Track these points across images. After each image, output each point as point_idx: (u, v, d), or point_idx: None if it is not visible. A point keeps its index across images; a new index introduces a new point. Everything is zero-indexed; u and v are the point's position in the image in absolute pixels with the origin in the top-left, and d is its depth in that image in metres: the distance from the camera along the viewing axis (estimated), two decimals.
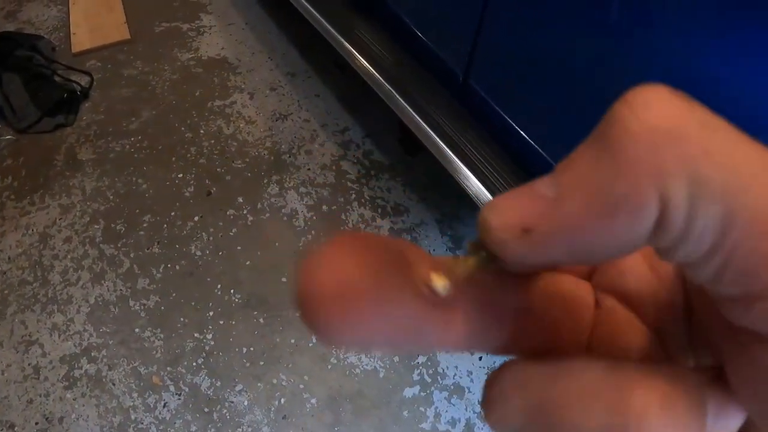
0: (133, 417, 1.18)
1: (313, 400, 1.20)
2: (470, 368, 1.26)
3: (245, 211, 1.51)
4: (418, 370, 1.26)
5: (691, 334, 0.16)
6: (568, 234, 0.12)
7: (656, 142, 0.11)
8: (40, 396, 1.21)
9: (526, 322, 0.16)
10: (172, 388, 1.22)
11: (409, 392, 1.22)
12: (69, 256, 1.43)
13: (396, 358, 1.26)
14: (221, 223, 1.49)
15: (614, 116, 0.12)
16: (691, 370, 0.13)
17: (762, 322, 0.11)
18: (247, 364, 1.25)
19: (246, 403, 1.20)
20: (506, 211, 0.13)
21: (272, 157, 1.64)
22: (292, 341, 1.28)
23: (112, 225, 1.49)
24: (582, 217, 0.12)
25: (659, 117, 0.11)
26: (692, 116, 0.11)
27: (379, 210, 1.53)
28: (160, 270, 1.40)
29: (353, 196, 1.55)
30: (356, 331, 0.12)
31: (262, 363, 1.25)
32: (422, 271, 0.14)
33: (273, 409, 1.19)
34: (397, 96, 1.23)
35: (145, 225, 1.49)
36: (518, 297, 0.16)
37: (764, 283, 0.11)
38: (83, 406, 1.20)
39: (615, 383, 0.13)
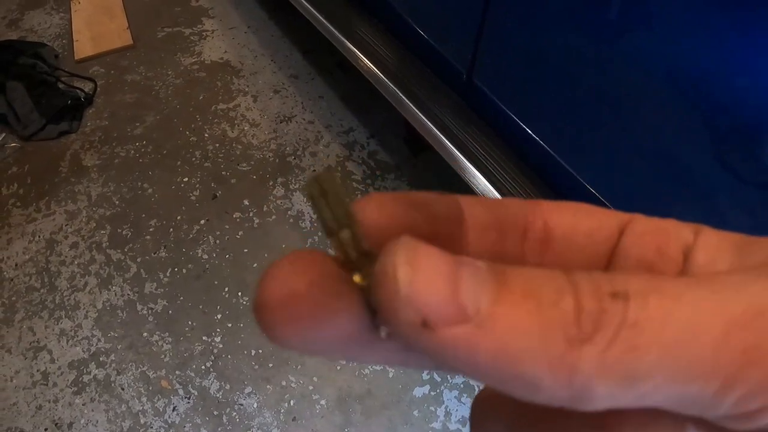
0: (142, 421, 1.18)
1: (323, 402, 1.20)
2: None
3: (251, 214, 1.51)
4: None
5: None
6: (480, 362, 0.11)
7: None
8: (49, 402, 1.21)
9: None
10: (181, 391, 1.22)
11: (419, 392, 1.22)
12: (76, 262, 1.43)
13: None
14: (227, 226, 1.48)
15: None
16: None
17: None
18: (256, 367, 1.25)
19: (255, 405, 1.20)
20: (429, 283, 0.11)
21: (277, 160, 1.64)
22: None
23: (119, 230, 1.49)
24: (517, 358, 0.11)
25: None
26: None
27: None
28: (167, 274, 1.40)
29: (359, 196, 1.55)
30: (299, 339, 0.13)
31: (271, 365, 1.25)
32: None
33: (282, 411, 1.19)
34: (402, 95, 1.23)
35: (151, 229, 1.49)
36: None
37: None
38: (92, 411, 1.19)
39: None
